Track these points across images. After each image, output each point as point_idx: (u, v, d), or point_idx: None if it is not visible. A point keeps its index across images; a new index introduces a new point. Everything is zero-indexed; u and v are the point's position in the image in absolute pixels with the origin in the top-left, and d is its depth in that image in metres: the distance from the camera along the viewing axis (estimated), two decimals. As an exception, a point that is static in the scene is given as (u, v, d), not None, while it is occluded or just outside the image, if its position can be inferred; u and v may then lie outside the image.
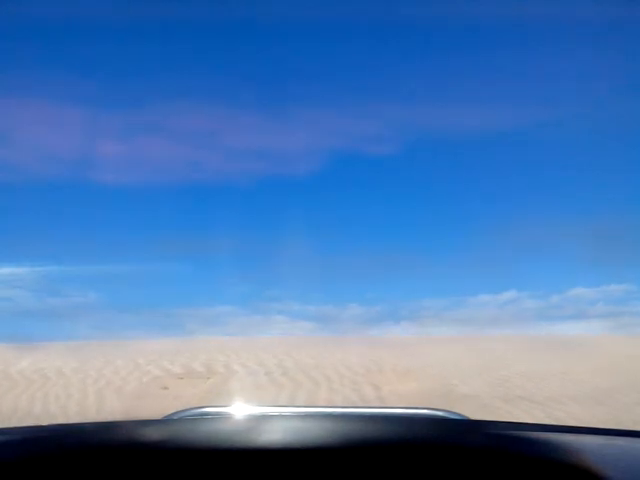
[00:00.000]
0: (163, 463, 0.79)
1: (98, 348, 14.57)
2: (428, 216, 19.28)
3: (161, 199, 17.62)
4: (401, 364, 11.53)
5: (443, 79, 15.26)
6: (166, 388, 9.23)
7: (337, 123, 15.06)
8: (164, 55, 15.23)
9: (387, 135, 15.51)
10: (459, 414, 1.34)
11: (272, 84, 16.72)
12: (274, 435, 0.79)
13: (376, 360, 11.94)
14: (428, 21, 12.87)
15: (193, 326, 18.85)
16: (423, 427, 0.90)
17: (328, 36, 15.62)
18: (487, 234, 15.92)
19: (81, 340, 16.47)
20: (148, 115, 14.64)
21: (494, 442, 0.82)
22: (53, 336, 15.72)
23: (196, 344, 15.87)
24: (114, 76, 15.19)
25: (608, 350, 13.44)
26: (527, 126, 14.85)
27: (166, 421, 1.12)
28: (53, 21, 12.68)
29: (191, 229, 18.47)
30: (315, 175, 18.39)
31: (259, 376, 9.72)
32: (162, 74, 15.25)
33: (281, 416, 1.12)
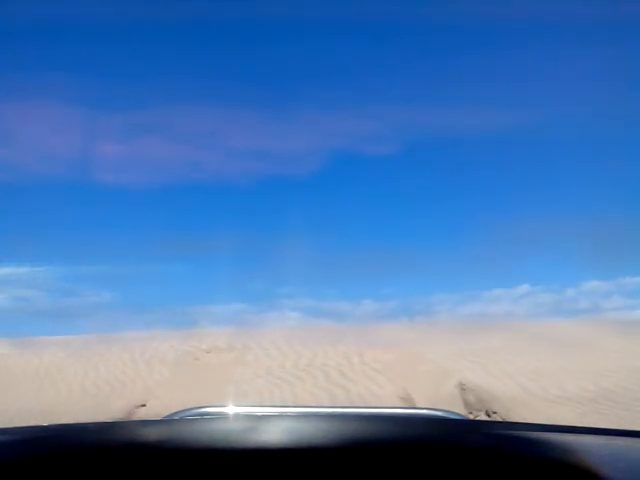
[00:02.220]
0: (163, 463, 0.79)
1: (132, 337, 17.02)
2: (439, 214, 19.71)
3: (168, 199, 18.01)
4: (389, 342, 13.86)
5: (442, 79, 15.29)
6: (197, 359, 11.74)
7: (337, 123, 14.90)
8: (164, 56, 15.29)
9: (388, 135, 15.57)
10: (459, 414, 1.33)
11: (272, 84, 16.94)
12: (274, 435, 0.80)
13: (369, 340, 14.28)
14: (427, 22, 12.95)
15: (207, 323, 19.03)
16: (422, 427, 0.91)
17: (328, 37, 15.58)
18: (499, 230, 15.79)
19: (106, 334, 18.09)
20: (150, 116, 14.43)
21: (494, 442, 0.82)
22: (78, 331, 16.50)
23: (215, 332, 18.21)
24: (115, 77, 15.44)
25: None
26: (531, 124, 14.55)
27: (166, 421, 1.12)
28: (55, 23, 13.03)
29: (199, 229, 19.22)
30: (318, 174, 18.26)
31: (270, 350, 12.16)
32: (162, 75, 15.27)
33: (281, 416, 1.12)
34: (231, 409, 1.31)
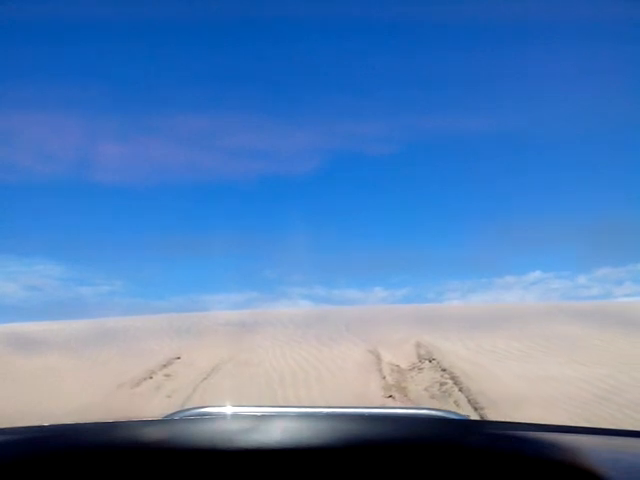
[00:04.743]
0: (163, 463, 0.79)
1: (153, 318, 19.69)
2: (451, 205, 20.66)
3: (178, 199, 19.42)
4: (382, 321, 16.47)
5: (442, 81, 16.56)
6: (216, 331, 14.45)
7: (341, 123, 16.26)
8: (165, 57, 16.05)
9: (394, 134, 16.56)
10: (459, 414, 1.36)
11: (273, 85, 17.70)
12: (274, 435, 0.80)
13: (362, 318, 16.94)
14: (428, 24, 13.76)
15: (222, 307, 20.97)
16: (423, 427, 0.92)
17: (329, 38, 16.57)
18: (512, 219, 17.11)
19: (128, 317, 19.71)
20: (162, 117, 15.33)
21: (494, 442, 0.83)
22: (100, 315, 18.80)
23: (229, 314, 20.82)
24: (115, 78, 16.20)
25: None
26: (535, 121, 16.13)
27: (166, 421, 1.12)
28: (55, 25, 13.59)
29: (210, 226, 20.52)
30: (321, 173, 19.72)
31: (276, 324, 14.85)
32: (163, 76, 16.12)
33: (281, 416, 1.12)
34: (230, 409, 1.33)
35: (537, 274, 19.02)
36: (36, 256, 19.22)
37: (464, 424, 1.17)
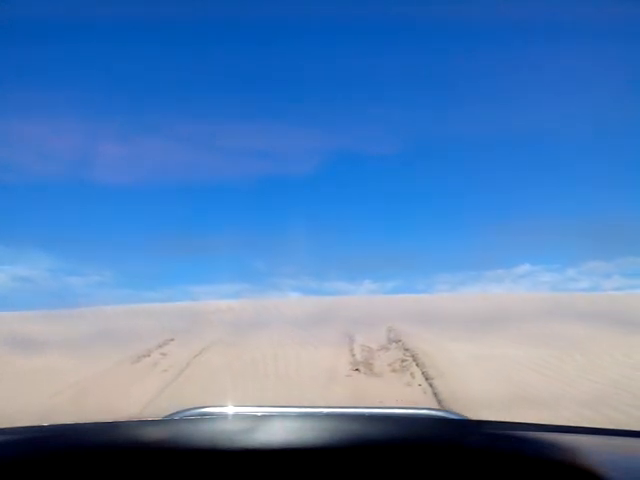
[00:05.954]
0: (163, 463, 0.79)
1: (148, 307, 20.72)
2: (442, 199, 21.13)
3: (182, 198, 19.97)
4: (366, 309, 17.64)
5: (441, 81, 16.69)
6: (209, 319, 15.58)
7: (340, 123, 16.67)
8: (165, 57, 15.86)
9: (394, 134, 16.76)
10: (459, 414, 1.37)
11: (273, 85, 17.91)
12: (274, 435, 0.81)
13: (344, 306, 18.11)
14: (428, 25, 13.72)
15: (213, 298, 21.06)
16: (423, 427, 0.92)
17: (329, 39, 16.84)
18: (502, 213, 17.54)
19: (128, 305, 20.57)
20: (168, 120, 15.42)
21: (494, 442, 0.83)
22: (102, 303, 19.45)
23: (220, 303, 21.85)
24: (116, 78, 16.20)
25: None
26: (528, 121, 16.30)
27: (166, 421, 1.12)
28: (55, 24, 13.39)
29: (208, 224, 21.37)
30: (322, 173, 20.32)
31: (263, 315, 15.99)
32: (163, 76, 15.95)
33: (281, 416, 1.12)
34: (231, 409, 1.33)
35: (526, 267, 19.61)
36: (26, 247, 19.92)
37: (464, 424, 1.20)
